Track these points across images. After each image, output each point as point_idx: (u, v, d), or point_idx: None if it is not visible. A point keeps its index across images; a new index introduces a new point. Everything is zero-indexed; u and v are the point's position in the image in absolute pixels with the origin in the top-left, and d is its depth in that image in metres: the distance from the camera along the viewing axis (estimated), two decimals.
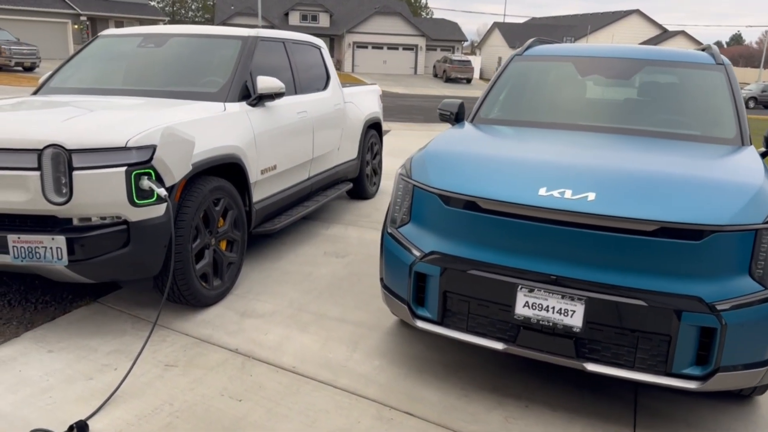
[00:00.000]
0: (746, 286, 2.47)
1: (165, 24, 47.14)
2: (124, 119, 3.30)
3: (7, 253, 3.07)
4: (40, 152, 3.00)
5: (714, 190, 2.60)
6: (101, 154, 3.06)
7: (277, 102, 4.56)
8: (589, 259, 2.58)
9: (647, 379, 2.53)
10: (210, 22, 63.01)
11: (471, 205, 2.78)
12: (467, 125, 3.87)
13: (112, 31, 5.04)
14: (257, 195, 4.31)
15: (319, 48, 5.83)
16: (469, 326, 2.82)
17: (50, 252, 3.04)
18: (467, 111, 4.20)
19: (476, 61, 45.73)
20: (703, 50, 4.22)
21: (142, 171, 3.13)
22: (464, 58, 42.80)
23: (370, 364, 3.19)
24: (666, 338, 2.50)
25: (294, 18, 46.43)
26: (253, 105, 4.27)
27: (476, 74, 43.60)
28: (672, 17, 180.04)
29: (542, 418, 2.78)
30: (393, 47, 46.61)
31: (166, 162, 3.20)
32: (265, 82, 4.23)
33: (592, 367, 2.59)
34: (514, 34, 49.26)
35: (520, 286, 2.64)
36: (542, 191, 2.66)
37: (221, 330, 3.48)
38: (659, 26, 48.58)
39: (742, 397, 3.01)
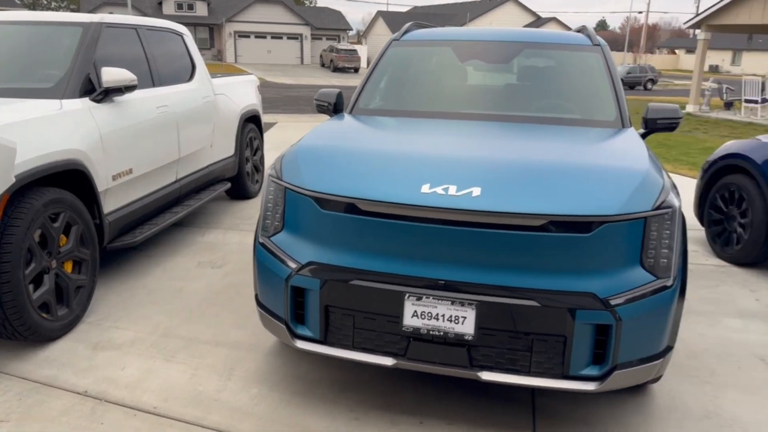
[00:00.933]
0: (639, 278, 2.35)
1: None
2: None
3: None
4: None
5: (601, 178, 2.46)
6: None
7: (129, 96, 4.00)
8: (478, 259, 2.35)
9: (544, 384, 2.35)
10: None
11: (350, 207, 2.46)
12: (346, 117, 3.56)
13: None
14: (109, 205, 3.76)
15: (181, 35, 5.26)
16: (356, 342, 2.52)
17: None
18: (346, 101, 3.88)
19: (363, 50, 45.60)
20: (578, 31, 4.17)
21: None
22: (350, 47, 42.52)
23: (247, 393, 2.81)
24: (561, 339, 2.33)
25: (168, 7, 43.89)
26: (98, 101, 3.69)
27: (363, 63, 43.49)
28: (544, 4, 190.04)
29: None
30: (277, 36, 45.42)
31: None
32: (112, 74, 3.67)
33: (487, 375, 2.38)
34: (398, 22, 49.65)
35: (407, 295, 2.37)
36: (425, 188, 2.39)
37: (68, 369, 2.95)
38: (533, 13, 50.93)
39: (637, 387, 2.94)
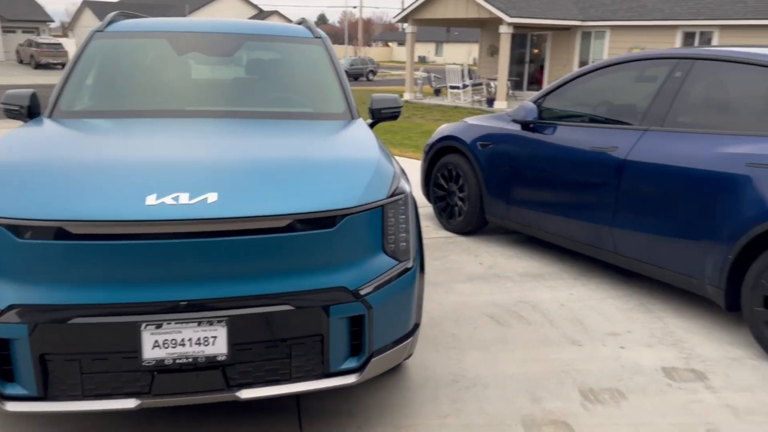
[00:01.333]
0: (383, 264, 2.41)
1: None
2: None
3: None
4: None
5: (337, 172, 2.45)
6: None
7: None
8: (223, 271, 2.16)
9: (307, 387, 2.28)
10: None
11: (58, 232, 2.05)
12: (45, 122, 3.00)
13: None
14: None
15: None
16: (86, 390, 2.13)
17: None
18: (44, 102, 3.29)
19: (69, 44, 40.59)
20: (299, 24, 4.17)
21: None
22: (54, 40, 37.47)
23: None
24: (319, 338, 2.27)
25: None
26: None
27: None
28: None
29: None
30: None
31: None
32: None
33: (246, 393, 2.21)
34: (108, 13, 45.35)
35: (143, 324, 2.07)
36: (151, 199, 2.11)
37: None
38: (255, 6, 51.01)
39: (393, 367, 3.06)
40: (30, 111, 3.21)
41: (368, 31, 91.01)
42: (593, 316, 3.74)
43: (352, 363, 2.36)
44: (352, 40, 68.18)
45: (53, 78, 28.94)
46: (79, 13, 49.62)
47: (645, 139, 3.84)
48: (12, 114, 3.22)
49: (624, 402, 2.82)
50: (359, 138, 2.92)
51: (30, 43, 36.63)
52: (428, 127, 12.78)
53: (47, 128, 2.87)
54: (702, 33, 18.45)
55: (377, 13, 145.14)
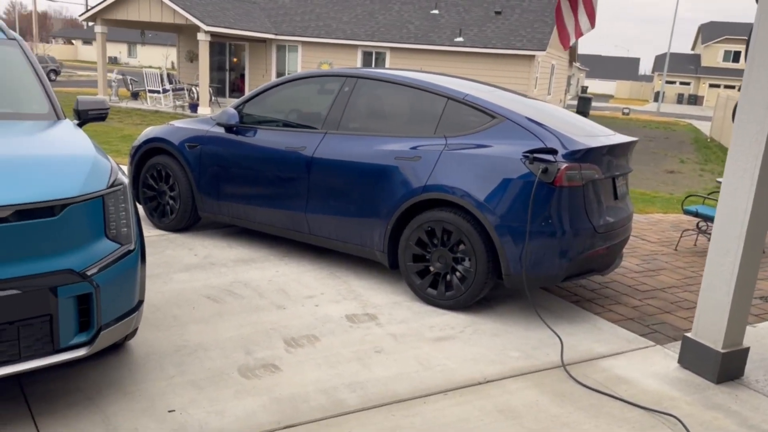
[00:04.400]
0: (107, 248, 2.73)
1: None
2: None
3: None
4: None
5: (57, 166, 2.69)
6: None
7: None
8: None
9: (39, 364, 2.49)
10: None
11: None
12: None
13: None
14: None
15: None
16: None
17: None
18: None
19: None
20: None
21: None
22: None
23: None
24: (47, 318, 2.50)
25: None
26: None
27: None
28: None
29: None
30: None
31: None
32: None
33: None
34: None
35: None
36: None
37: None
38: None
39: (117, 348, 3.33)
40: None
41: (45, 27, 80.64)
42: (295, 286, 4.50)
43: (81, 338, 2.63)
44: (26, 36, 59.76)
45: None
46: None
47: (326, 140, 4.75)
48: None
49: (318, 343, 3.61)
50: (71, 136, 3.14)
51: None
52: (128, 132, 12.40)
53: None
54: (377, 53, 21.42)
55: (54, 7, 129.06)
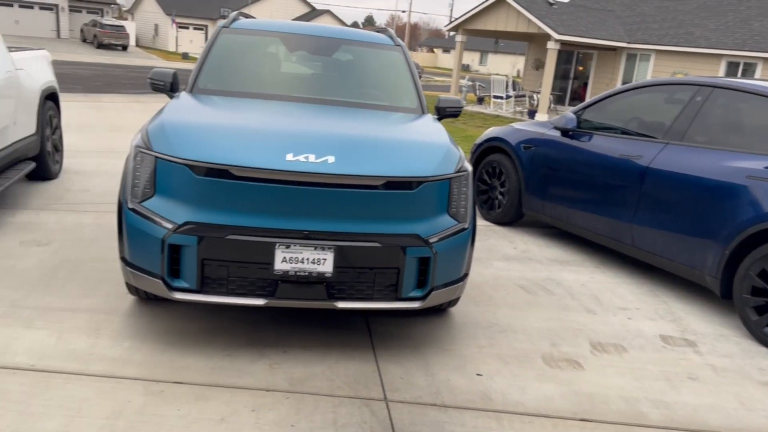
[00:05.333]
0: (447, 222, 3.19)
1: None
2: None
3: None
4: None
5: (418, 149, 3.26)
6: None
7: None
8: (334, 212, 2.97)
9: (384, 306, 3.08)
10: None
11: (223, 173, 2.89)
12: (192, 96, 3.85)
13: None
14: None
15: None
16: (230, 289, 2.97)
17: None
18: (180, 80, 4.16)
19: (131, 27, 42.44)
20: (379, 32, 4.98)
21: None
22: (117, 22, 39.31)
23: (120, 347, 3.06)
24: (396, 270, 3.06)
25: None
26: None
27: (132, 41, 40.53)
28: None
29: (301, 358, 3.13)
30: (26, 5, 39.89)
31: None
32: None
33: (342, 304, 3.02)
34: (169, 1, 47.11)
35: (277, 244, 2.89)
36: (289, 156, 2.93)
37: None
38: (308, 4, 52.28)
39: (441, 311, 3.85)
40: (172, 86, 4.08)
41: (414, 36, 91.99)
42: (608, 295, 4.46)
43: (417, 293, 3.14)
44: None
45: (114, 58, 30.51)
46: None
47: (666, 151, 4.54)
48: (157, 87, 4.09)
49: (625, 354, 3.55)
50: (431, 127, 3.73)
51: (94, 24, 38.45)
52: (470, 132, 13.50)
53: (197, 101, 3.72)
54: (746, 64, 18.76)
55: (425, 18, 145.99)
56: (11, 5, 38.34)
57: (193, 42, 46.96)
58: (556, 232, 5.96)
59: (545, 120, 6.42)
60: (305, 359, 3.12)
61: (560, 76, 22.97)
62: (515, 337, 3.63)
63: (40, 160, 5.77)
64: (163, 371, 2.89)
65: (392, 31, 4.83)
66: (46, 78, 5.99)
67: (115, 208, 5.21)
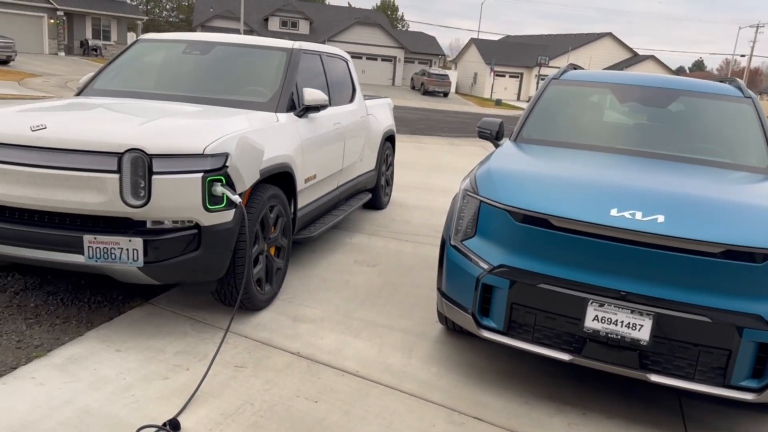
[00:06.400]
0: None
1: (144, 23, 45.68)
2: (197, 126, 3.38)
3: (81, 253, 3.11)
4: (120, 155, 3.06)
5: (765, 216, 2.83)
6: (179, 160, 3.13)
7: (317, 113, 4.67)
8: (657, 276, 2.77)
9: (708, 390, 2.73)
10: (187, 23, 62.32)
11: (542, 222, 2.94)
12: (516, 144, 4.02)
13: (153, 35, 5.08)
14: (300, 203, 4.41)
15: (346, 61, 5.96)
16: (535, 338, 2.98)
17: (126, 253, 3.09)
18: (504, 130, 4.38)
19: (453, 76, 46.40)
20: (721, 81, 4.50)
21: (216, 177, 3.21)
22: (442, 71, 43.38)
23: (428, 371, 3.32)
24: (726, 352, 2.69)
25: (274, 23, 46.37)
26: (299, 116, 4.37)
27: (453, 88, 44.23)
28: (640, 41, 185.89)
29: (601, 425, 2.96)
30: (372, 58, 46.91)
31: (240, 169, 3.29)
32: (312, 95, 4.34)
33: (656, 378, 2.77)
34: (490, 50, 50.17)
35: (590, 301, 2.81)
36: (614, 212, 2.84)
37: (278, 334, 3.56)
38: (630, 50, 50.11)
39: None
40: (497, 135, 4.32)
41: (754, 83, 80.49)
42: None
43: (752, 383, 2.71)
44: None
45: (436, 104, 33.62)
46: (465, 48, 56.13)
47: None
48: (483, 135, 4.37)
49: None
50: None
51: (423, 73, 43.11)
52: None
53: (521, 150, 3.88)
54: None
55: (767, 62, 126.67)
56: (360, 57, 45.39)
57: (507, 89, 49.13)
58: None
59: None
60: (606, 427, 2.94)
61: None
62: None
63: (375, 192, 6.67)
64: (464, 404, 3.03)
65: (741, 82, 4.33)
66: (388, 122, 6.92)
67: (430, 240, 5.71)
